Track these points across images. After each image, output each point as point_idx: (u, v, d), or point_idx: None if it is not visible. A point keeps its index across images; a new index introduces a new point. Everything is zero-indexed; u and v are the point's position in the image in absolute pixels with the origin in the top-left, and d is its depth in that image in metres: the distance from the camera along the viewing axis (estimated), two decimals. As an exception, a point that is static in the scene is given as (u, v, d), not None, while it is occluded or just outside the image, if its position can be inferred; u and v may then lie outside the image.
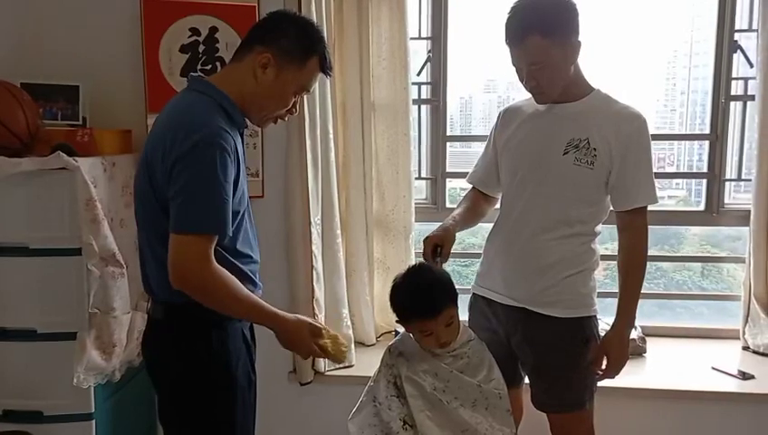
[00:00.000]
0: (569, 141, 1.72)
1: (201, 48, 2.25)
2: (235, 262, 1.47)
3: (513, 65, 1.70)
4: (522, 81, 1.70)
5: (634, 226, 1.74)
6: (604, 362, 1.77)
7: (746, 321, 2.54)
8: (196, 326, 1.47)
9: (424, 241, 1.80)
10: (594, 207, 1.76)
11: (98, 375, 1.99)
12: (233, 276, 1.40)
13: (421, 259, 1.81)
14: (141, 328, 2.04)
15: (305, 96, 1.70)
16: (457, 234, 1.87)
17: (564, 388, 1.80)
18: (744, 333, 2.55)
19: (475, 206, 1.98)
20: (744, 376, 2.32)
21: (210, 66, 2.25)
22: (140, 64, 2.28)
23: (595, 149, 1.69)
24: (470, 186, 2.04)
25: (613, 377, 1.79)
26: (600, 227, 1.80)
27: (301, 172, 2.32)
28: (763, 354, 2.48)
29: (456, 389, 1.64)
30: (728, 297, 2.73)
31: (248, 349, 1.59)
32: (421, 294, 1.62)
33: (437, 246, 1.78)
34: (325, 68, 1.52)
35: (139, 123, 2.30)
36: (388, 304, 2.59)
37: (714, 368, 2.38)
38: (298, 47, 1.47)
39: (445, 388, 1.63)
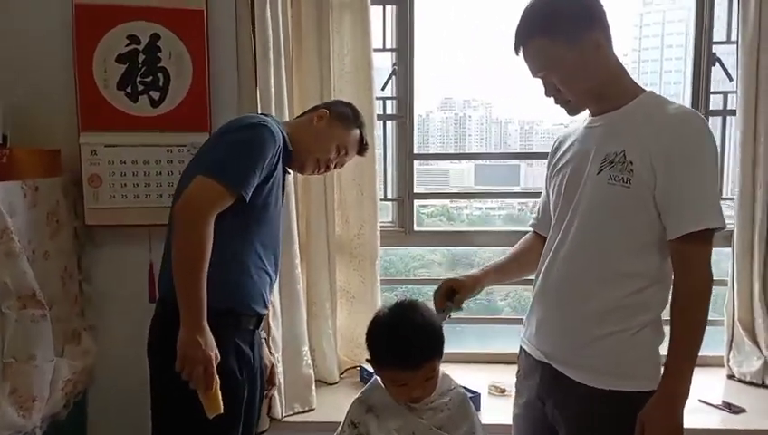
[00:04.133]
0: (604, 157, 1.38)
1: (141, 57, 2.02)
2: (246, 255, 1.58)
3: (533, 77, 1.45)
4: (546, 93, 1.45)
5: (687, 257, 1.33)
6: None
7: (730, 347, 2.43)
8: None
9: (442, 284, 1.57)
10: (646, 237, 1.37)
11: (15, 435, 1.71)
12: (210, 248, 1.44)
13: (410, 297, 1.60)
14: (68, 377, 1.79)
15: (339, 167, 1.87)
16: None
17: None
18: (728, 360, 2.43)
19: (527, 251, 1.67)
20: (733, 409, 2.18)
21: (151, 78, 2.02)
22: (71, 76, 2.03)
23: (632, 162, 1.34)
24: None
25: None
26: (662, 272, 1.40)
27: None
28: (750, 383, 2.35)
29: (434, 447, 1.43)
30: (710, 322, 2.59)
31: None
32: (402, 340, 1.39)
33: (453, 291, 1.55)
34: (362, 145, 1.86)
35: (69, 142, 2.05)
36: (353, 336, 2.45)
37: (701, 400, 2.24)
38: (349, 116, 1.82)
39: (423, 447, 1.42)
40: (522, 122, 2.97)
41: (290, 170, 1.81)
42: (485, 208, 3.01)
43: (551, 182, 1.56)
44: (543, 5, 1.40)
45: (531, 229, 1.71)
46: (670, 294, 1.39)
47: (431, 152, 2.87)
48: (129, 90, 2.03)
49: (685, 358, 1.33)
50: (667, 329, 1.39)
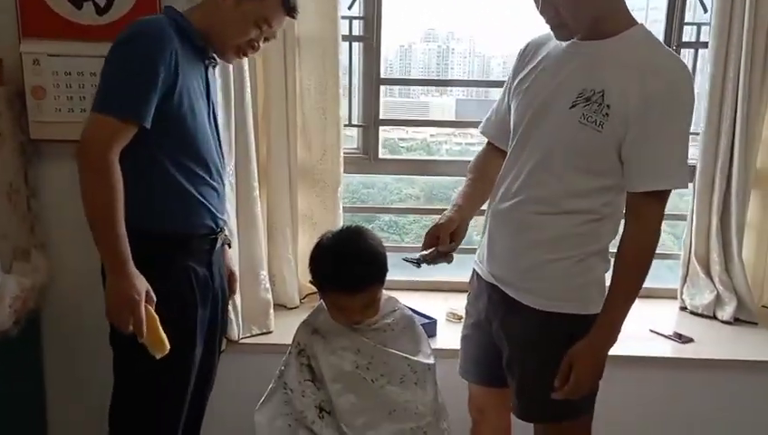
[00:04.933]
0: (580, 91, 1.33)
1: (89, -41, 1.88)
2: (177, 175, 1.48)
3: None
4: (538, 8, 1.36)
5: (642, 213, 1.35)
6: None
7: (684, 281, 2.47)
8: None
9: (433, 228, 1.50)
10: (604, 179, 1.37)
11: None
12: (121, 186, 1.37)
13: (356, 223, 1.56)
14: (16, 293, 1.75)
15: (270, 39, 1.65)
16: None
17: (542, 394, 1.44)
18: (681, 293, 2.47)
19: (488, 168, 1.61)
20: (682, 339, 2.24)
21: (100, -18, 1.89)
22: (12, -22, 1.89)
23: (608, 106, 1.30)
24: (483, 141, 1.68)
25: (573, 397, 1.41)
26: (615, 206, 1.43)
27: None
28: (700, 315, 2.41)
29: (380, 364, 1.45)
30: (667, 256, 2.64)
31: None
32: (343, 264, 1.38)
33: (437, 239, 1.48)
34: (287, 7, 1.56)
35: (10, 51, 1.92)
36: None
37: (652, 330, 2.29)
38: None
39: (368, 365, 1.43)
40: (504, 57, 2.87)
41: (215, 61, 1.64)
42: (465, 144, 2.95)
43: (514, 93, 1.50)
44: None
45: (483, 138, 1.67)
46: (620, 227, 1.42)
47: (398, 77, 2.79)
48: (72, -6, 1.90)
49: (619, 308, 1.38)
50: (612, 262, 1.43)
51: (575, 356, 1.39)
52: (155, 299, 1.42)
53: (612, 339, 1.41)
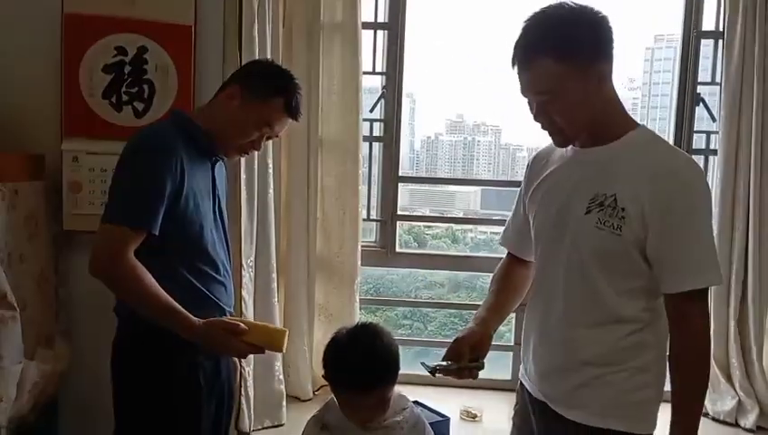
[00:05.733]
0: (592, 197, 1.29)
1: (127, 69, 2.05)
2: (187, 274, 1.53)
3: (523, 96, 1.33)
4: (532, 114, 1.33)
5: (684, 316, 1.26)
6: None
7: (705, 385, 2.42)
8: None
9: (455, 342, 1.43)
10: (633, 281, 1.29)
11: (-22, 435, 1.72)
12: (147, 272, 1.43)
13: (373, 319, 1.58)
14: (36, 380, 1.80)
15: (272, 139, 1.71)
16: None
17: None
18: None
19: (512, 278, 1.55)
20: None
21: (136, 89, 2.05)
22: (58, 84, 2.06)
23: (623, 208, 1.25)
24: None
25: None
26: (655, 312, 1.32)
27: (233, 210, 2.11)
28: (723, 422, 2.35)
29: (388, 465, 1.43)
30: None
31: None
32: (359, 364, 1.40)
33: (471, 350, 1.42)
34: (291, 110, 1.59)
35: (53, 148, 2.07)
36: None
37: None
38: (264, 85, 1.58)
39: (377, 464, 1.42)
40: (530, 149, 2.97)
41: (222, 159, 1.66)
42: (490, 233, 3.00)
43: (529, 205, 1.46)
44: (561, 24, 1.25)
45: (504, 249, 1.61)
46: (666, 336, 1.31)
47: (421, 175, 2.90)
48: (113, 99, 2.05)
49: (688, 414, 1.26)
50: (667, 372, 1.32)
51: None
52: (230, 323, 1.49)
53: None
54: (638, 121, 1.33)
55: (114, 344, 1.57)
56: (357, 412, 1.42)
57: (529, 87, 1.28)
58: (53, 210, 2.06)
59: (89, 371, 2.13)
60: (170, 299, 1.44)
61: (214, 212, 1.61)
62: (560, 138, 1.33)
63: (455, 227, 3.05)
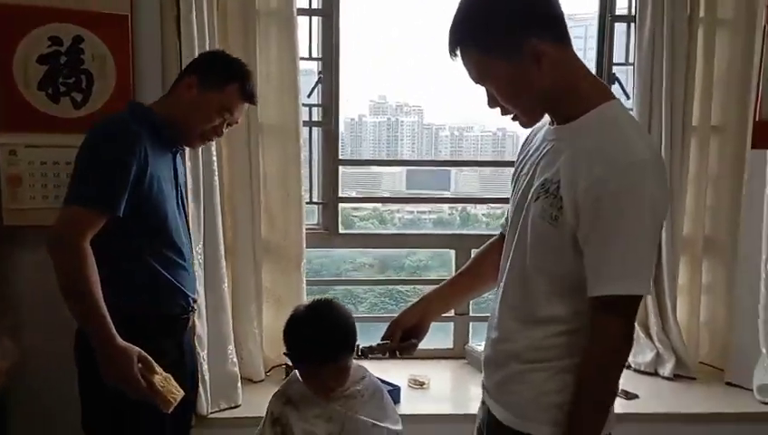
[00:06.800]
0: (542, 182, 1.19)
1: (63, 59, 2.01)
2: (151, 260, 1.59)
3: None
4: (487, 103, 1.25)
5: (598, 325, 1.13)
6: None
7: (628, 341, 2.64)
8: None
9: (392, 323, 1.45)
10: (570, 280, 1.17)
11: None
12: (95, 267, 1.46)
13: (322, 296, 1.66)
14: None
15: (232, 125, 1.76)
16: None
17: None
18: (626, 352, 2.64)
19: (484, 262, 1.49)
20: (628, 396, 2.39)
21: (73, 79, 2.02)
22: (-10, 77, 2.01)
23: (561, 198, 1.14)
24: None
25: None
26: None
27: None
28: (644, 373, 2.58)
29: (351, 431, 1.53)
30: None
31: None
32: (321, 335, 1.49)
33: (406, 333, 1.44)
34: (246, 95, 1.69)
35: (-12, 142, 2.02)
36: (279, 336, 2.50)
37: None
38: (218, 73, 1.66)
39: (340, 432, 1.51)
40: (452, 128, 3.10)
41: (181, 148, 1.75)
42: (417, 213, 3.10)
43: (512, 185, 1.36)
44: (478, 10, 1.16)
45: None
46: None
47: (360, 158, 2.99)
48: (50, 91, 2.02)
49: (580, 432, 1.16)
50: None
51: None
52: (149, 357, 1.49)
53: None
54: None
55: (78, 332, 1.59)
56: (320, 383, 1.51)
57: (469, 75, 1.20)
58: (-11, 206, 2.02)
59: (38, 365, 2.12)
60: (103, 305, 1.45)
61: (177, 200, 1.65)
62: (520, 121, 1.23)
63: (381, 208, 3.14)
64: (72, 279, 1.46)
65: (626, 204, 1.09)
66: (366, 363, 1.64)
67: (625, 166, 1.09)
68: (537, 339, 1.22)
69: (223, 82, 1.65)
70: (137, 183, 1.53)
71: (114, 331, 1.46)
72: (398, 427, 1.59)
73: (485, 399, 1.37)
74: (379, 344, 1.49)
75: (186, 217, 1.75)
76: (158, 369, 1.51)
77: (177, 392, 1.54)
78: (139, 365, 1.49)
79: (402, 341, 1.47)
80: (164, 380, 1.52)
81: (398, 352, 1.49)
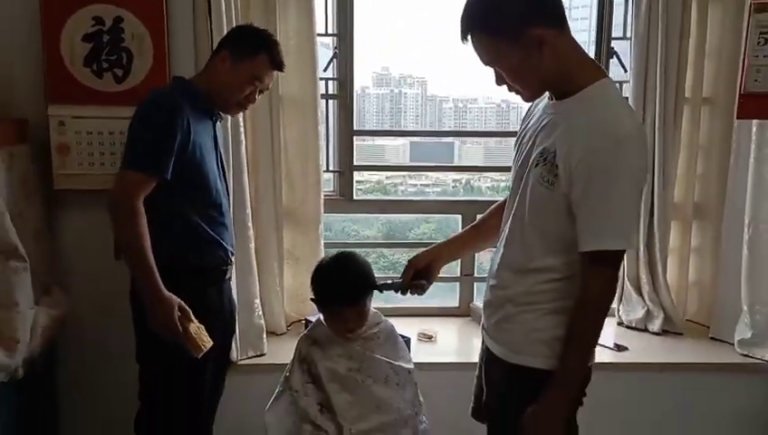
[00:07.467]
0: (541, 151, 1.36)
1: (105, 38, 2.20)
2: (196, 217, 1.77)
3: None
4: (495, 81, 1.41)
5: (589, 275, 1.32)
6: None
7: (620, 299, 2.84)
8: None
9: (408, 263, 1.65)
10: (565, 238, 1.35)
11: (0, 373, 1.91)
12: (146, 224, 1.65)
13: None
14: (45, 324, 2.00)
15: (263, 92, 1.93)
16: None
17: None
18: (618, 310, 2.85)
19: (489, 221, 1.67)
20: (619, 348, 2.60)
21: (115, 56, 2.21)
22: (40, 53, 2.19)
23: (557, 166, 1.31)
24: None
25: None
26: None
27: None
28: (634, 328, 2.79)
29: (368, 368, 1.75)
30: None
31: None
32: (346, 280, 1.71)
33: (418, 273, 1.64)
34: (275, 62, 1.86)
35: (37, 113, 2.21)
36: (298, 293, 2.73)
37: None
38: (249, 45, 1.83)
39: (359, 368, 1.73)
40: (456, 100, 3.16)
41: (221, 116, 1.94)
42: (420, 185, 3.19)
43: (515, 151, 1.52)
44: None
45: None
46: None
47: (369, 129, 3.14)
48: (94, 67, 2.20)
49: (573, 365, 1.35)
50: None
51: (528, 419, 1.39)
52: (186, 307, 1.71)
53: (565, 397, 1.38)
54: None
55: (132, 279, 1.79)
56: (342, 324, 1.73)
57: (479, 58, 1.35)
58: (41, 172, 2.22)
59: (83, 316, 2.35)
60: (152, 260, 1.66)
61: (217, 163, 1.84)
62: (523, 97, 1.41)
63: (385, 180, 3.24)
64: (126, 235, 1.67)
65: (613, 173, 1.27)
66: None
67: (614, 140, 1.27)
68: (529, 285, 1.43)
69: (253, 52, 1.82)
70: (182, 150, 1.72)
71: (160, 282, 1.67)
72: (410, 365, 1.81)
73: (484, 338, 1.59)
74: (393, 281, 1.71)
75: (225, 178, 1.94)
76: (194, 319, 1.73)
77: (207, 342, 1.76)
78: (179, 314, 1.70)
79: (413, 280, 1.68)
80: (198, 329, 1.74)
81: (409, 291, 1.70)
